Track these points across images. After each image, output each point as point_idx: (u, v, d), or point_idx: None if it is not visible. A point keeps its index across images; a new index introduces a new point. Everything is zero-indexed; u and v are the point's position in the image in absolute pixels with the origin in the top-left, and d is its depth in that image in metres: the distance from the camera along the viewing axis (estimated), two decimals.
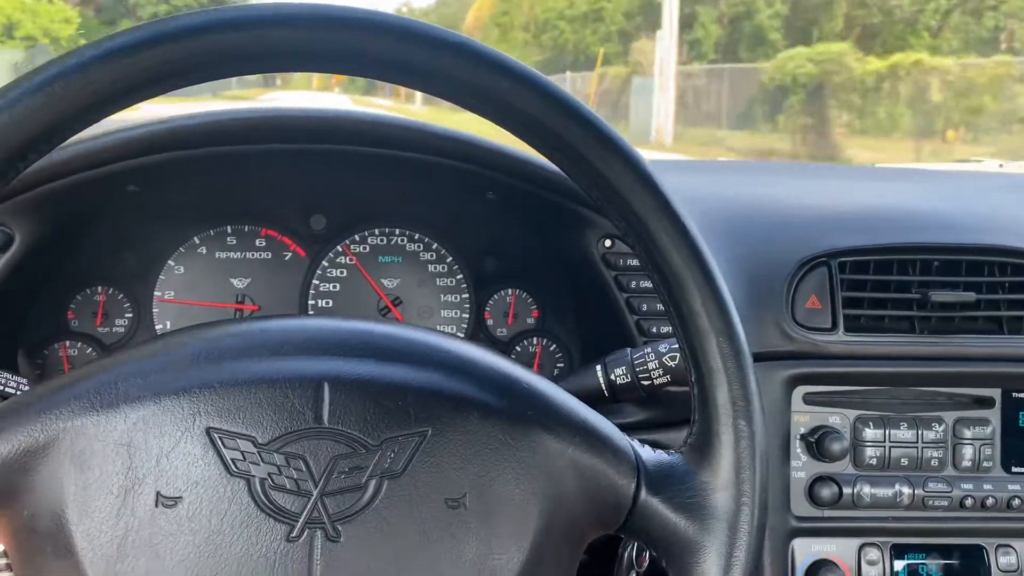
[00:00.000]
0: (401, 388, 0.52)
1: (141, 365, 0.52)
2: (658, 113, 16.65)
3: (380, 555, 0.49)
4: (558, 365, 1.05)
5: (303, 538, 0.48)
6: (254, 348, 0.53)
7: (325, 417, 0.50)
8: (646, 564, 0.88)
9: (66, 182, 0.83)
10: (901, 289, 0.94)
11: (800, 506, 0.93)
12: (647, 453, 0.57)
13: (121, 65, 0.44)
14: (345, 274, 1.04)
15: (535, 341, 1.05)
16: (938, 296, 0.92)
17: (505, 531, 0.51)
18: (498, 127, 0.52)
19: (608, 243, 0.94)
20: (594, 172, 0.51)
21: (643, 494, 0.55)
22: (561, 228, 0.96)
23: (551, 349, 1.05)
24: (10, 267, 0.84)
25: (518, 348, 1.04)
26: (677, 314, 0.54)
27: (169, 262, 1.00)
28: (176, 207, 0.98)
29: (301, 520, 0.48)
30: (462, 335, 1.04)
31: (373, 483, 0.50)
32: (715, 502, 0.54)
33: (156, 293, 0.99)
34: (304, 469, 0.49)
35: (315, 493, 0.49)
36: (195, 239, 1.00)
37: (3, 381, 0.72)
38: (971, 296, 0.93)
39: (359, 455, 0.50)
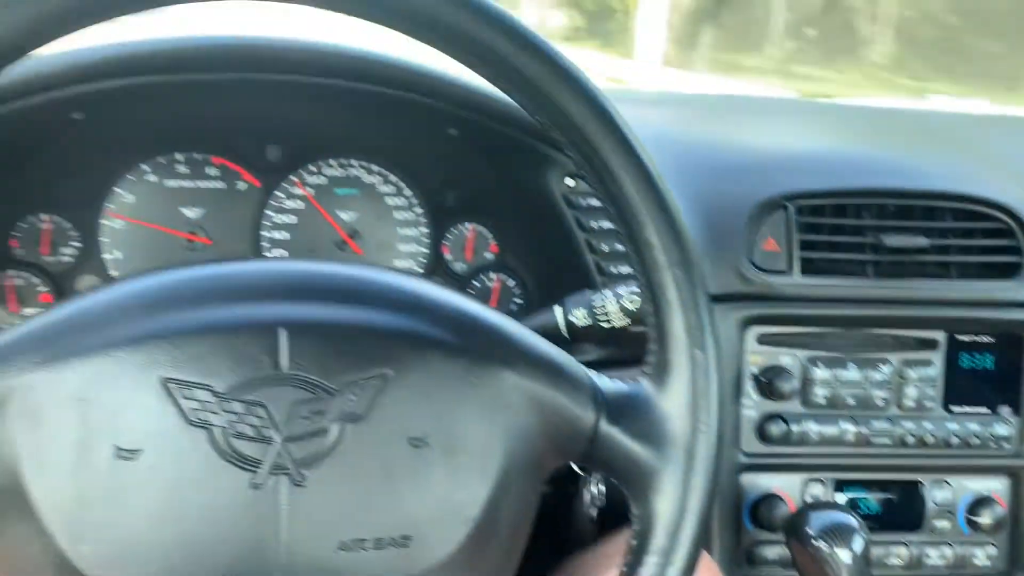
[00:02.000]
0: (359, 330, 0.52)
1: (90, 317, 0.50)
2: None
3: (346, 498, 0.49)
4: (516, 301, 1.05)
5: (268, 485, 0.48)
6: (206, 295, 0.52)
7: (283, 363, 0.49)
8: (604, 498, 0.91)
9: (8, 107, 0.79)
10: (856, 233, 0.95)
11: (749, 443, 0.95)
12: (605, 384, 0.57)
13: None
14: (301, 206, 1.01)
15: (493, 276, 1.04)
16: (891, 240, 0.94)
17: (469, 467, 0.52)
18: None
19: (570, 182, 0.93)
20: (551, 105, 0.50)
21: (602, 424, 0.55)
22: (523, 165, 0.95)
23: (509, 285, 1.05)
24: None
25: (476, 283, 1.04)
26: (634, 247, 0.54)
27: (117, 189, 0.96)
28: (124, 134, 0.94)
29: (265, 467, 0.48)
30: (420, 269, 1.03)
31: (336, 427, 0.49)
32: (672, 429, 0.55)
33: (103, 221, 0.96)
34: (265, 416, 0.49)
35: (278, 439, 0.49)
36: (143, 166, 0.97)
37: None
38: (923, 241, 0.94)
39: (320, 400, 0.49)
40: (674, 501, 0.54)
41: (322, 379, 0.49)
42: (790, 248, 0.93)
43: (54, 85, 0.79)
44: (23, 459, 0.47)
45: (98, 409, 0.47)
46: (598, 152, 0.51)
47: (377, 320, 0.52)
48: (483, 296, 1.03)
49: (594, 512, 0.93)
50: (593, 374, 0.58)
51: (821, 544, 0.79)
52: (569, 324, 0.81)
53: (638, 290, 0.80)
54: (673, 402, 0.55)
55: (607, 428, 0.55)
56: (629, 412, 0.56)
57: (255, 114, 0.97)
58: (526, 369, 0.54)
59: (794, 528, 0.83)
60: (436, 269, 1.04)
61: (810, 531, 0.80)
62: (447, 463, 0.51)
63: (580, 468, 0.89)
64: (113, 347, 0.48)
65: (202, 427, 0.48)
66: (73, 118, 0.87)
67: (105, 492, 0.47)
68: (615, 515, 0.94)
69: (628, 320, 0.80)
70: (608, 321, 0.80)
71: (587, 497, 0.93)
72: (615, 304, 0.79)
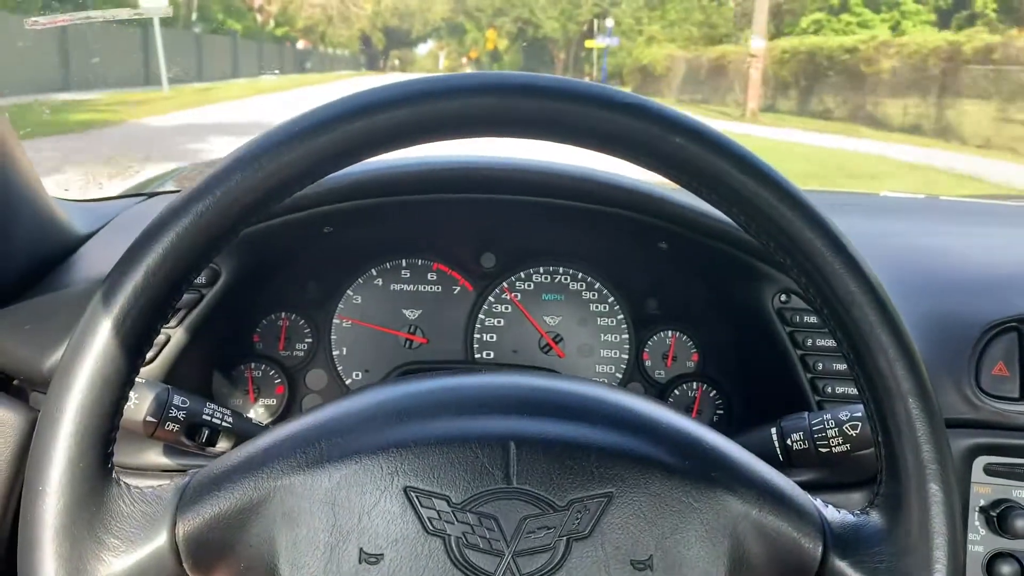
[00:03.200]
0: (585, 447, 0.53)
1: (342, 425, 0.54)
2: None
3: None
4: (718, 412, 1.04)
5: None
6: (443, 406, 0.55)
7: (513, 476, 0.52)
8: None
9: (269, 224, 0.89)
10: None
11: None
12: (832, 514, 0.56)
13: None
14: (509, 310, 1.06)
15: (695, 386, 1.04)
16: None
17: None
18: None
19: (784, 298, 0.92)
20: (775, 227, 0.50)
21: (831, 557, 0.54)
22: (733, 280, 0.95)
23: (711, 395, 1.04)
24: (215, 299, 0.90)
25: (676, 392, 1.04)
26: (864, 375, 0.53)
27: (348, 291, 1.05)
28: (361, 245, 1.03)
29: None
30: (620, 376, 1.05)
31: (562, 543, 0.51)
32: (907, 567, 0.52)
33: (335, 321, 1.05)
34: (496, 528, 0.51)
35: (507, 553, 0.51)
36: (372, 271, 1.05)
37: (210, 412, 0.78)
38: None
39: (547, 515, 0.51)
40: None
41: (548, 495, 0.51)
42: (1022, 374, 0.88)
43: (313, 204, 0.89)
44: (281, 555, 0.51)
45: (347, 513, 0.51)
46: (825, 276, 0.51)
47: (601, 438, 0.54)
48: (685, 406, 1.03)
49: None
50: (819, 503, 0.56)
51: None
52: (785, 448, 0.79)
53: (860, 415, 0.77)
54: (907, 538, 0.52)
55: (835, 562, 0.54)
56: (859, 546, 0.54)
57: (474, 226, 1.04)
58: (750, 495, 0.54)
59: None
60: (636, 375, 1.05)
61: None
62: None
63: None
64: (362, 454, 0.52)
65: (439, 536, 0.50)
66: (324, 232, 0.96)
67: None
68: None
69: (847, 446, 0.77)
70: (827, 446, 0.77)
71: None
72: (835, 428, 0.77)
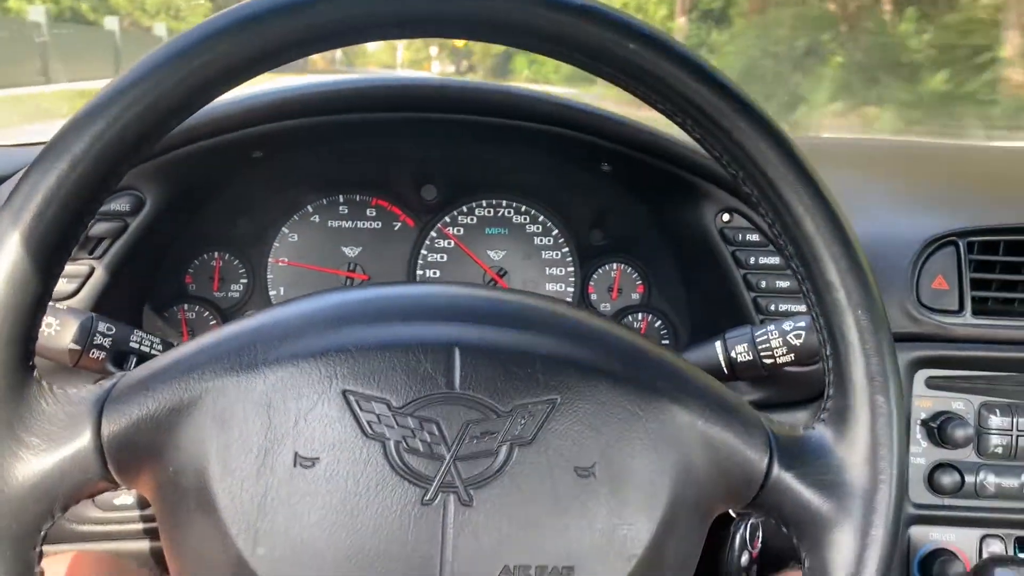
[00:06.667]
0: (530, 355, 0.52)
1: (278, 329, 0.52)
2: None
3: (512, 520, 0.49)
4: (663, 342, 1.03)
5: (436, 501, 0.48)
6: (386, 313, 0.54)
7: (457, 382, 0.50)
8: (759, 546, 0.87)
9: (196, 147, 0.85)
10: None
11: (919, 494, 0.90)
12: (778, 427, 0.55)
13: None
14: (452, 245, 1.04)
15: (640, 317, 1.04)
16: None
17: (635, 502, 0.50)
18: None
19: (727, 217, 0.92)
20: (729, 138, 0.49)
21: (775, 469, 0.53)
22: (676, 201, 0.94)
23: (656, 325, 1.03)
24: (141, 230, 0.86)
25: (622, 323, 1.03)
26: (813, 287, 0.52)
27: (283, 229, 1.02)
28: (293, 175, 1.00)
29: (435, 484, 0.49)
30: None
31: (504, 449, 0.50)
32: (852, 479, 0.52)
33: (270, 259, 1.01)
34: (437, 433, 0.49)
35: (448, 457, 0.49)
36: (308, 207, 1.02)
37: (138, 339, 0.75)
38: None
39: (490, 420, 0.50)
40: (852, 554, 0.51)
41: (493, 400, 0.50)
42: (961, 287, 0.89)
43: (238, 125, 0.85)
44: (211, 458, 0.49)
45: (282, 416, 0.49)
46: (776, 187, 0.50)
47: (547, 346, 0.53)
48: None
49: (745, 559, 0.89)
50: (765, 417, 0.56)
51: None
52: (730, 360, 0.79)
53: (803, 325, 0.77)
54: (853, 451, 0.52)
55: (780, 474, 0.53)
56: (804, 458, 0.53)
57: (414, 154, 1.01)
58: (697, 406, 0.53)
59: None
60: (581, 308, 1.04)
61: None
62: (613, 496, 0.50)
63: (739, 513, 0.87)
64: (300, 358, 0.50)
65: (378, 440, 0.49)
66: (253, 157, 0.93)
67: (282, 498, 0.48)
68: (765, 562, 0.90)
69: (791, 356, 0.77)
70: (771, 357, 0.77)
71: (738, 543, 0.90)
72: (779, 339, 0.77)
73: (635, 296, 1.05)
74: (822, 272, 0.51)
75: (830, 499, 0.52)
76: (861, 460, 0.52)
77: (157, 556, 0.89)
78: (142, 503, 0.86)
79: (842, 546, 0.51)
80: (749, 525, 0.88)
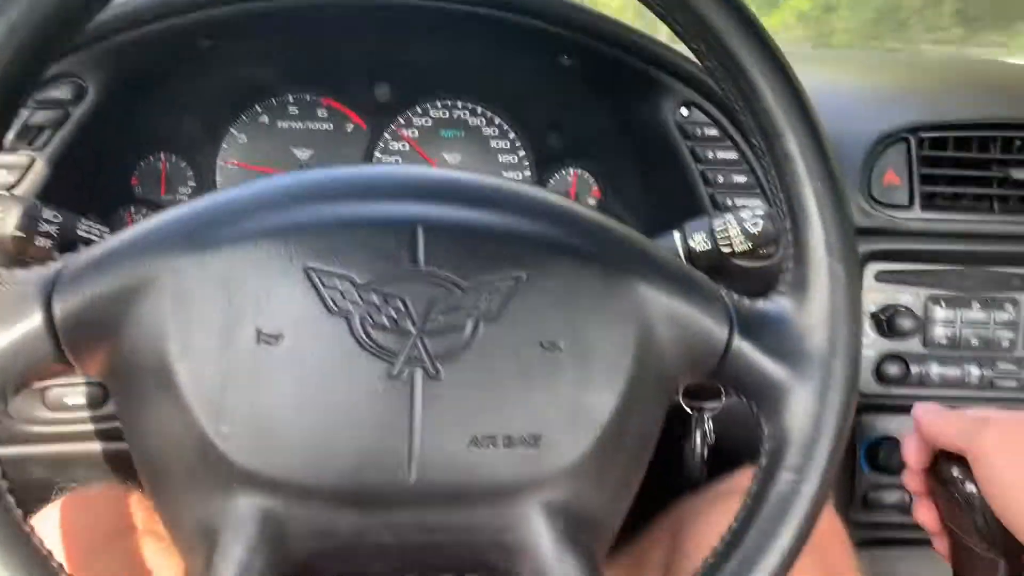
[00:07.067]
0: (495, 232, 0.52)
1: (237, 207, 0.51)
2: None
3: (478, 394, 0.49)
4: None
5: (404, 375, 0.48)
6: (348, 191, 0.52)
7: (421, 259, 0.50)
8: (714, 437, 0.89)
9: (141, 32, 0.81)
10: (981, 166, 0.91)
11: (866, 383, 0.93)
12: (739, 299, 0.56)
13: None
14: (406, 148, 1.02)
15: None
16: (1018, 174, 0.90)
17: (599, 375, 0.51)
18: None
19: (685, 112, 0.92)
20: (692, 14, 0.49)
21: (736, 339, 0.54)
22: (635, 96, 0.93)
23: None
24: (83, 121, 0.83)
25: None
26: (774, 161, 0.52)
27: (231, 130, 0.99)
28: (241, 69, 0.96)
29: (401, 358, 0.48)
30: None
31: (470, 324, 0.49)
32: (809, 346, 0.53)
33: (219, 161, 0.98)
34: (403, 308, 0.49)
35: (414, 332, 0.49)
36: (257, 107, 0.99)
37: (87, 228, 0.72)
38: None
39: (456, 296, 0.49)
40: (809, 418, 0.52)
41: (458, 277, 0.49)
42: (911, 182, 0.90)
43: (186, 8, 0.81)
44: (170, 339, 0.47)
45: (243, 294, 0.48)
46: (738, 61, 0.50)
47: (513, 224, 0.52)
48: None
49: (704, 452, 0.92)
50: (724, 290, 0.56)
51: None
52: (688, 249, 0.79)
53: (761, 214, 0.78)
54: (810, 318, 0.53)
55: (740, 343, 0.54)
56: (763, 328, 0.54)
57: (366, 49, 0.98)
58: (660, 281, 0.53)
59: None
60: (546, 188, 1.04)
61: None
62: (578, 368, 0.50)
63: (696, 408, 0.88)
64: (260, 236, 0.49)
65: (342, 316, 0.48)
66: (200, 45, 0.89)
67: (245, 375, 0.47)
68: (723, 457, 0.93)
69: (750, 244, 0.78)
70: (729, 245, 0.78)
71: (697, 437, 0.92)
72: (737, 227, 0.77)
73: (591, 201, 1.04)
74: (782, 144, 0.51)
75: (789, 366, 0.53)
76: (819, 327, 0.53)
77: (110, 458, 0.87)
78: (93, 403, 0.84)
79: (800, 411, 0.52)
80: (708, 419, 0.90)
